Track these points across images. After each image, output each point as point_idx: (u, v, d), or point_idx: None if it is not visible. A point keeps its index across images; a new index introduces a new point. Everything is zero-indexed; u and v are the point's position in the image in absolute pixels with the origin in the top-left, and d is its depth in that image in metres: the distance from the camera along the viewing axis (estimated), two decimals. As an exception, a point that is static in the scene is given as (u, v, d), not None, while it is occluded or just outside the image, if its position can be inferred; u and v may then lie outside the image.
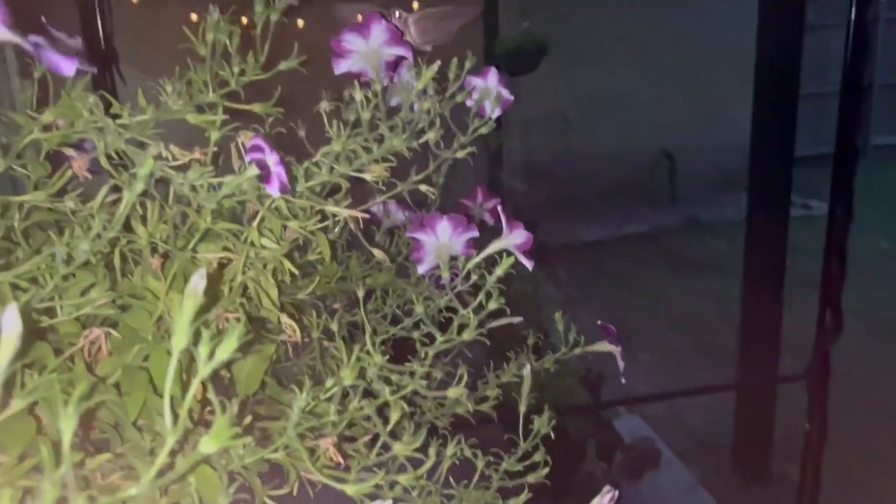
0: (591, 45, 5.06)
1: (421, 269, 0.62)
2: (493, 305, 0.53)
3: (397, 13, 0.76)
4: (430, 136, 0.55)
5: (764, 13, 2.44)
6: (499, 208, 0.64)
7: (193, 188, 0.45)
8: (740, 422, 2.65)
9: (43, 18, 0.60)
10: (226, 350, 0.30)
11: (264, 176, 0.42)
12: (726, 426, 2.66)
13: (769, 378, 2.49)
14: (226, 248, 0.51)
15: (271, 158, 0.42)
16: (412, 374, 0.54)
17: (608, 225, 5.01)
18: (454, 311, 0.58)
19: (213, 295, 0.51)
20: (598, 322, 0.78)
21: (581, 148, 5.26)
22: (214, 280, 0.52)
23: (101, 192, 0.47)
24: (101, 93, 0.48)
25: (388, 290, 0.74)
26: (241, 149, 0.55)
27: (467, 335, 0.53)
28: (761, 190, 2.63)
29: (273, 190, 0.42)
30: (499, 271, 0.54)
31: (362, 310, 0.62)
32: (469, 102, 0.69)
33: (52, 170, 0.51)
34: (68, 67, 0.28)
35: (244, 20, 0.56)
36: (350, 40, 0.58)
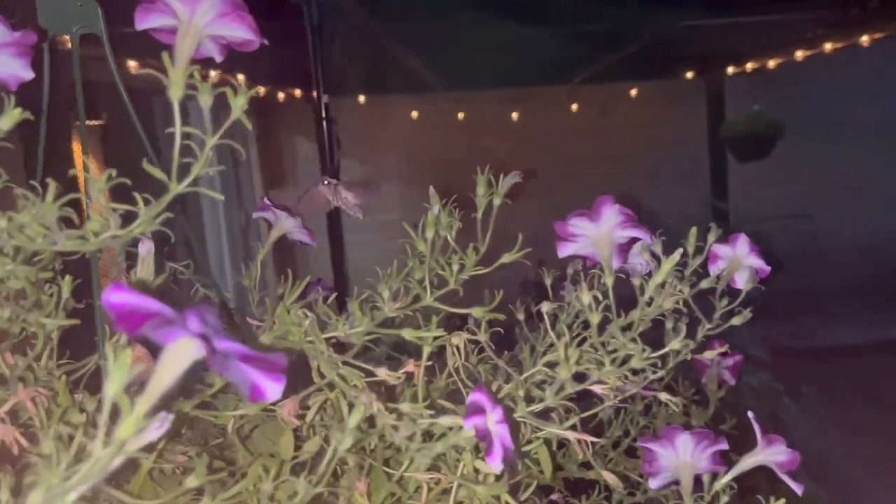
0: (832, 128, 4.61)
1: (653, 485, 0.53)
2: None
3: (325, 181, 0.76)
4: (675, 346, 0.47)
5: None
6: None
7: (407, 438, 0.40)
8: None
9: (266, 200, 0.62)
10: None
11: (486, 447, 0.36)
12: None
13: None
14: (433, 468, 0.46)
15: (493, 417, 0.37)
16: None
17: (858, 329, 4.41)
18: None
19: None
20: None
21: (826, 240, 4.76)
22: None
23: (312, 410, 0.44)
24: (320, 311, 0.46)
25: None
26: (454, 350, 0.50)
27: None
28: None
29: (495, 465, 0.36)
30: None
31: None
32: (712, 268, 0.60)
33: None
34: (273, 391, 0.25)
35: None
36: (578, 224, 0.52)
